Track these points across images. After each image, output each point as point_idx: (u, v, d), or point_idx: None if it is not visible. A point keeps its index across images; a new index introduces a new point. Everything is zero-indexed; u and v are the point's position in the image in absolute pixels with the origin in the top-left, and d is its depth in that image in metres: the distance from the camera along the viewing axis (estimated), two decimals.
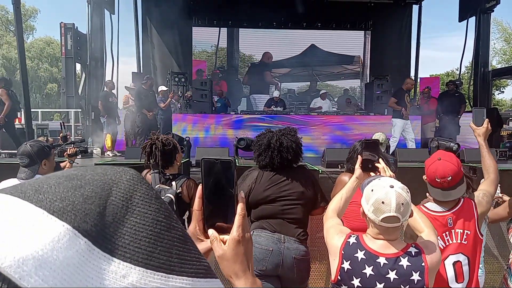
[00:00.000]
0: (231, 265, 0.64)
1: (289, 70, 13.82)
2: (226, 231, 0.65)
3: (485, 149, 2.18)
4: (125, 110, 8.24)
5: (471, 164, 4.43)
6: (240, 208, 0.64)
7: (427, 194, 2.14)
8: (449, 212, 2.01)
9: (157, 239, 0.36)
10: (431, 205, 2.06)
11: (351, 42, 13.71)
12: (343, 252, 1.57)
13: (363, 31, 13.63)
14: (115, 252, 0.34)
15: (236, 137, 6.17)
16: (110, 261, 0.34)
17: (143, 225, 0.36)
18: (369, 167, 1.86)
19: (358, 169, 1.86)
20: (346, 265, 1.55)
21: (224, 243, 0.65)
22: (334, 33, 13.51)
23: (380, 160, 1.88)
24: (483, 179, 2.26)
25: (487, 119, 2.20)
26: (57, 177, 0.37)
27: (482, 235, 2.04)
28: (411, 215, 1.53)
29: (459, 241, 1.99)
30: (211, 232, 0.65)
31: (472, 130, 2.26)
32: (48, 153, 2.48)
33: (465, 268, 1.97)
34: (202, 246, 0.67)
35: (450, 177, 1.96)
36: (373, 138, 4.38)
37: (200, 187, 0.66)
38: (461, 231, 1.98)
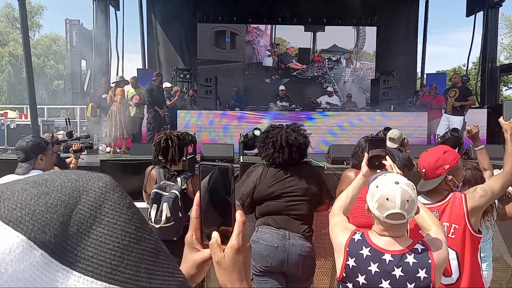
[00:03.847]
0: (228, 273, 0.61)
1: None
2: (226, 239, 0.62)
3: (509, 144, 2.07)
4: (113, 106, 7.65)
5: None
6: (239, 214, 0.62)
7: None
8: (435, 205, 1.98)
9: (124, 251, 0.34)
10: (419, 198, 2.03)
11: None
12: (348, 249, 1.55)
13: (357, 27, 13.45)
14: (76, 265, 0.32)
15: (241, 134, 6.14)
16: (69, 274, 0.32)
17: (110, 237, 0.34)
18: (375, 165, 1.82)
19: (364, 167, 1.81)
20: (351, 262, 1.53)
21: (223, 252, 0.62)
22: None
23: (387, 157, 1.84)
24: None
25: None
26: (24, 182, 0.35)
27: (479, 232, 1.97)
28: (417, 212, 1.51)
29: (446, 235, 1.94)
30: (215, 234, 0.62)
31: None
32: (44, 148, 2.48)
33: (453, 263, 1.91)
34: (198, 256, 0.64)
35: (424, 170, 2.03)
36: (382, 134, 4.38)
37: (197, 194, 0.64)
38: (448, 224, 1.94)
